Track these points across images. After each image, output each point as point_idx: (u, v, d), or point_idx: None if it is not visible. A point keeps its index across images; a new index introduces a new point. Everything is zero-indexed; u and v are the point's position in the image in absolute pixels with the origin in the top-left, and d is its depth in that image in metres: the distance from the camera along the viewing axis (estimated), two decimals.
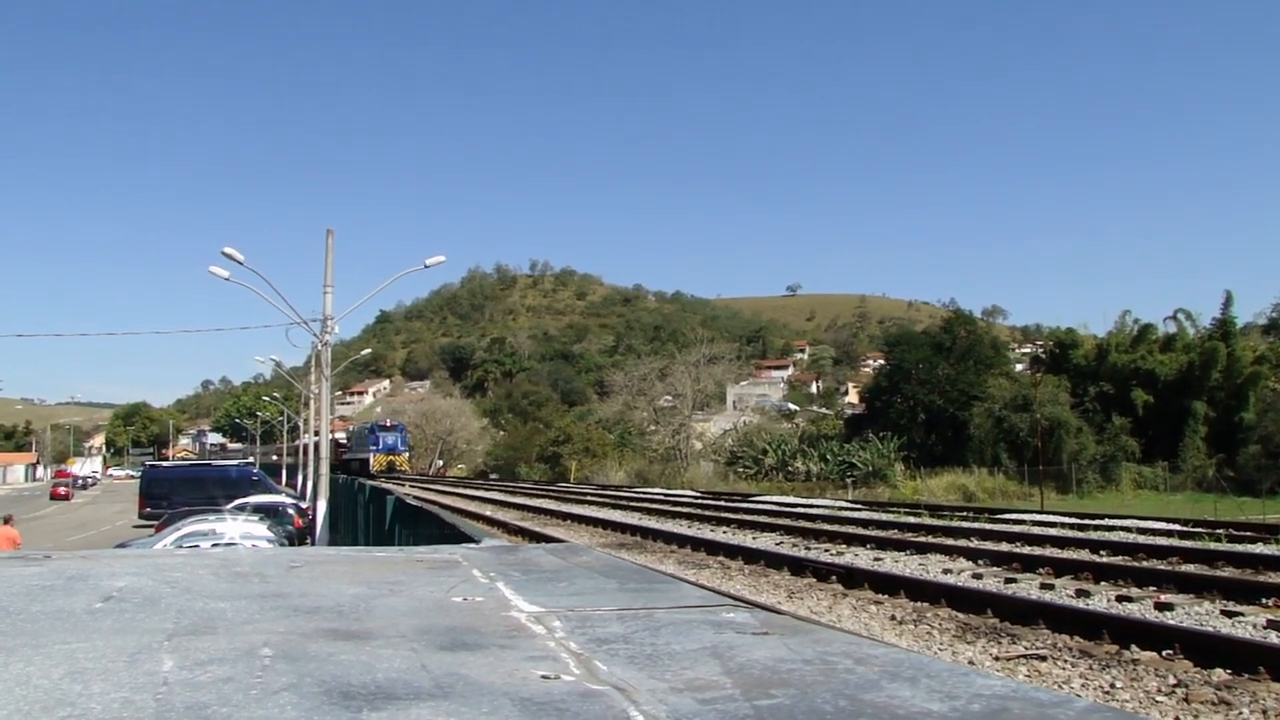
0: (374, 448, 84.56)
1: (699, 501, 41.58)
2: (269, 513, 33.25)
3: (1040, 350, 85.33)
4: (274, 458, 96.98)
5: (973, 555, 18.17)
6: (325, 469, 30.83)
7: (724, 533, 25.49)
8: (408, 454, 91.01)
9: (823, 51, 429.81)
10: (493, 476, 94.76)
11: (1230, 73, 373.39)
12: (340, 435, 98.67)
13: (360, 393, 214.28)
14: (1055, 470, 58.02)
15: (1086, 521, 25.49)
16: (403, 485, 57.46)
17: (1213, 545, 18.66)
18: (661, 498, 44.22)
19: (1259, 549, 18.11)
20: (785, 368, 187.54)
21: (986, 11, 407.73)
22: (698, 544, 21.97)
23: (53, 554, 6.05)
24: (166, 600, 4.25)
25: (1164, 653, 9.60)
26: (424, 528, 15.23)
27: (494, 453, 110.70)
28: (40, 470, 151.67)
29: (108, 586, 4.62)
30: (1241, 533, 21.77)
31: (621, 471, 77.92)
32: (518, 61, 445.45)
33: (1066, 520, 26.35)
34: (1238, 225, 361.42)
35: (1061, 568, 16.04)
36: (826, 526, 25.08)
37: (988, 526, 24.37)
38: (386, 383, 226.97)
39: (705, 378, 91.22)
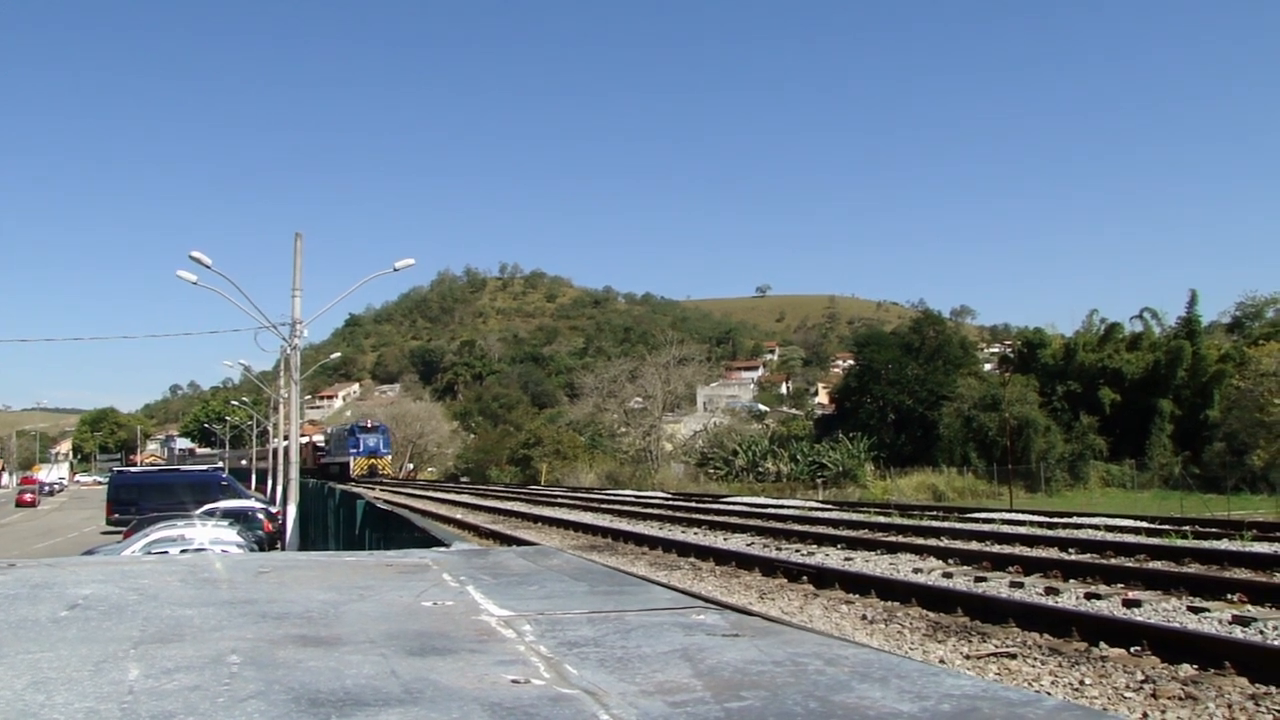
0: (354, 451, 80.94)
1: (670, 503, 41.54)
2: (238, 518, 32.99)
3: (1008, 350, 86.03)
4: (243, 462, 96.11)
5: (943, 554, 18.24)
6: (295, 473, 30.61)
7: (695, 534, 25.43)
8: (390, 456, 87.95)
9: (792, 52, 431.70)
10: (463, 479, 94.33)
11: (1195, 71, 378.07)
12: (318, 438, 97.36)
13: (330, 397, 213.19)
14: (1024, 469, 58.51)
15: (1055, 520, 25.69)
16: (373, 489, 57.13)
17: (1179, 542, 18.84)
18: (632, 499, 44.16)
19: (1224, 545, 18.28)
20: (755, 369, 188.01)
21: (957, 14, 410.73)
22: (669, 545, 21.92)
23: (17, 562, 5.98)
24: (133, 608, 4.20)
25: (1132, 649, 9.67)
26: (394, 532, 15.17)
27: (464, 456, 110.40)
28: (6, 477, 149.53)
29: (73, 594, 4.57)
30: (1207, 529, 21.98)
31: (592, 473, 77.82)
32: (488, 63, 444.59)
33: (1035, 519, 26.51)
34: (1203, 224, 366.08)
35: (1031, 566, 16.13)
36: (797, 527, 25.10)
37: (957, 525, 24.47)
38: (356, 386, 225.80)
39: (675, 379, 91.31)
